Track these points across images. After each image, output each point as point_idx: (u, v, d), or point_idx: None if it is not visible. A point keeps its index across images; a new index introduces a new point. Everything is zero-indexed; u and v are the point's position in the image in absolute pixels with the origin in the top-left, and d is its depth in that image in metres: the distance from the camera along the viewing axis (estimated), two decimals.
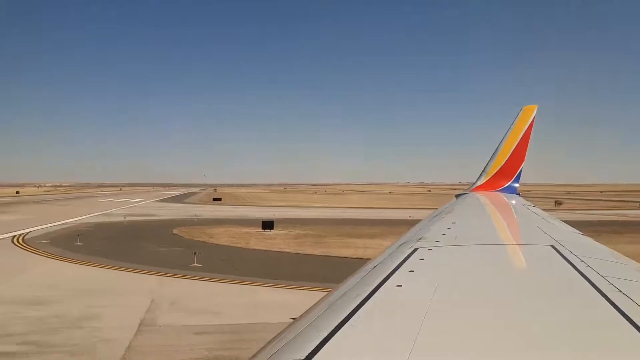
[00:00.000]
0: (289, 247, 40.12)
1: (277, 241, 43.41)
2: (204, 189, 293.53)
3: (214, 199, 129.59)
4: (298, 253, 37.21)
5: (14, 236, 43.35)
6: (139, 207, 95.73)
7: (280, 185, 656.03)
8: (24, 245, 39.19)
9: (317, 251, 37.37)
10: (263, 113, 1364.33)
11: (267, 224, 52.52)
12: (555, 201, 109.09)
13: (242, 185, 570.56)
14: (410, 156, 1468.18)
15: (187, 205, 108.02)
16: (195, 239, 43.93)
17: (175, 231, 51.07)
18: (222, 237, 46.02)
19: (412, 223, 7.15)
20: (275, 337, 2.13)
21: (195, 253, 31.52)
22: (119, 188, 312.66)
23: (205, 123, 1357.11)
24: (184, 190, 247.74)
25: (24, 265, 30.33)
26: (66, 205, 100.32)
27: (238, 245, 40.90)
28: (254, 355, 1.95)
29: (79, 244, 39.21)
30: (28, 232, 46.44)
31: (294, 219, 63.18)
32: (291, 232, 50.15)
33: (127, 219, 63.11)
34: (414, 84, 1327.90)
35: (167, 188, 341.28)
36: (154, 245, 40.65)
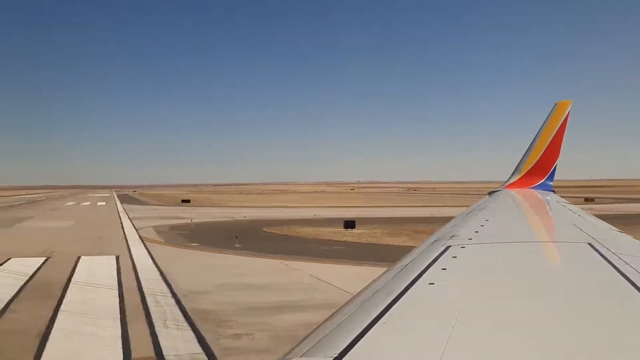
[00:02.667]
0: (405, 243, 45.55)
1: (386, 239, 48.70)
2: (119, 191, 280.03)
3: (183, 201, 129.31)
4: None
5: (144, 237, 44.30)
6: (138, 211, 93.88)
7: (195, 186, 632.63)
8: (189, 247, 41.15)
9: None
10: (163, 112, 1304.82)
11: (349, 224, 57.35)
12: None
13: (150, 187, 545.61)
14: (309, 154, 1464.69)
15: (177, 207, 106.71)
16: (317, 237, 48.71)
17: (267, 230, 55.28)
18: (330, 235, 50.71)
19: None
20: (309, 334, 2.18)
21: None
22: (24, 192, 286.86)
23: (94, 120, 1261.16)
24: (98, 193, 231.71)
25: (256, 266, 33.11)
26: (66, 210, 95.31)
27: (369, 241, 45.96)
28: (289, 352, 1.98)
29: (238, 245, 41.94)
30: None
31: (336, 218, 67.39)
32: (373, 231, 55.27)
33: (194, 221, 64.89)
34: (332, 75, 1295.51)
35: (63, 190, 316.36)
36: (299, 243, 44.75)
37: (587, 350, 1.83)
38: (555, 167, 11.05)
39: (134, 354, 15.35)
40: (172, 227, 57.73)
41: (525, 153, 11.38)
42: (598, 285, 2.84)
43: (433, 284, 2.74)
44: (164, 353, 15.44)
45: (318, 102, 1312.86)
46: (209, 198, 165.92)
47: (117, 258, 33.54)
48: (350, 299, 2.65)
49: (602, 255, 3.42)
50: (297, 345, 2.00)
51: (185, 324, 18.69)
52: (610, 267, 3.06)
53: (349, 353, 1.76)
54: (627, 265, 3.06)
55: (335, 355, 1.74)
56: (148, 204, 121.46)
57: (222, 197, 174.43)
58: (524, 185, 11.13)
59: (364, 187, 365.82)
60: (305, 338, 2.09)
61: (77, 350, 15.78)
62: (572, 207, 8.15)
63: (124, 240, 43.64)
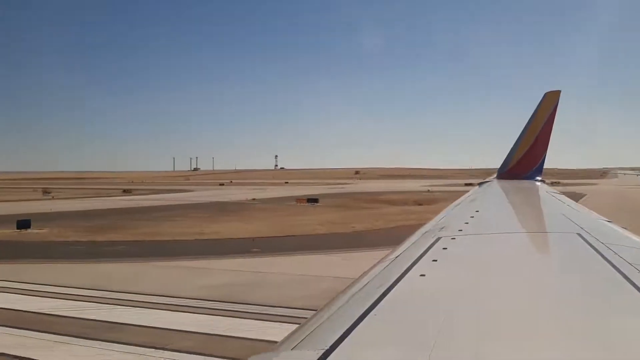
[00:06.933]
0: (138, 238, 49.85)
1: (106, 234, 50.49)
2: None
3: None
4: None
5: None
6: None
7: None
8: None
9: None
10: None
11: (24, 224, 53.27)
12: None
13: None
14: None
15: None
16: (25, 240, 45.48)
17: None
18: (23, 237, 47.42)
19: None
20: (299, 327, 2.17)
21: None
22: None
23: None
24: None
25: None
26: None
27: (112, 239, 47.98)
28: (280, 344, 1.97)
29: None
30: None
31: None
32: (59, 230, 53.82)
33: None
34: None
35: None
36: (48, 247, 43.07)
37: (577, 340, 1.86)
38: (544, 158, 10.96)
39: None
40: None
41: (515, 144, 11.23)
42: (587, 275, 2.83)
43: (424, 275, 2.76)
44: None
45: None
46: None
47: None
48: (341, 291, 2.65)
49: (591, 245, 3.44)
50: (287, 338, 2.01)
51: None
52: (599, 256, 3.07)
53: (340, 346, 1.78)
54: (616, 255, 3.08)
55: (326, 348, 1.75)
56: None
57: None
58: (513, 176, 11.08)
59: None
60: (295, 331, 2.10)
61: None
62: (562, 197, 8.16)
63: None
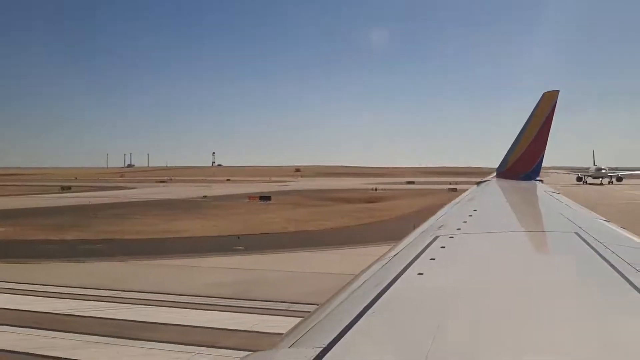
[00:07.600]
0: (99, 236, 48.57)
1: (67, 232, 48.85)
2: None
3: None
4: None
5: None
6: None
7: None
8: None
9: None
10: None
11: None
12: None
13: None
14: None
15: None
16: None
17: None
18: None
19: None
20: (297, 324, 2.18)
21: None
22: None
23: None
24: None
25: None
26: None
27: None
28: (278, 342, 1.99)
29: None
30: None
31: None
32: (19, 228, 51.18)
33: None
34: None
35: None
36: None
37: (575, 339, 1.87)
38: (542, 157, 11.03)
39: None
40: None
41: (513, 143, 11.34)
42: (585, 274, 2.85)
43: (422, 274, 2.77)
44: None
45: None
46: None
47: None
48: (339, 289, 2.67)
49: (589, 244, 3.44)
50: (285, 336, 2.02)
51: None
52: (597, 256, 3.08)
53: (338, 344, 1.78)
54: (614, 254, 3.08)
55: (323, 346, 1.74)
56: None
57: None
58: (511, 176, 11.14)
59: None
60: (293, 329, 2.11)
61: None
62: (559, 196, 8.18)
63: None
